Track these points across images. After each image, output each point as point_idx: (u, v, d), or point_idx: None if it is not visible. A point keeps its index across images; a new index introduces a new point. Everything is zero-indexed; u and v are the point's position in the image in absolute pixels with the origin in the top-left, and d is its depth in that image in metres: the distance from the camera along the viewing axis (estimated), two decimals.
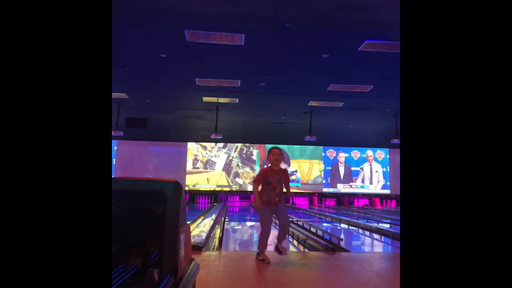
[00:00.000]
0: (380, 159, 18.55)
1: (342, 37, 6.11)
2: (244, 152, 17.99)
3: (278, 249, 3.53)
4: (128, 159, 17.23)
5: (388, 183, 18.36)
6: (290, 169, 17.93)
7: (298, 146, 17.90)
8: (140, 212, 2.20)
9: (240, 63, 7.38)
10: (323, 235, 7.24)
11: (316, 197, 18.25)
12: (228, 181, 17.85)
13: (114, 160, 16.82)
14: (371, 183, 18.38)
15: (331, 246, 6.19)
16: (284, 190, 3.62)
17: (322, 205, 18.13)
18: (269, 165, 3.58)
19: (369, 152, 18.45)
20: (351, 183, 18.33)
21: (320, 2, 5.02)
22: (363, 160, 18.55)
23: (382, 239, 7.78)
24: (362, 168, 18.47)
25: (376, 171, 18.42)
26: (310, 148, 18.08)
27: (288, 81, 8.30)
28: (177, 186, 2.00)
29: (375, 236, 8.27)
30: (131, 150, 17.19)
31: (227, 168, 17.91)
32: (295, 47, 6.50)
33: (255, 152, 17.93)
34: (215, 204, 17.30)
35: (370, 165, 18.46)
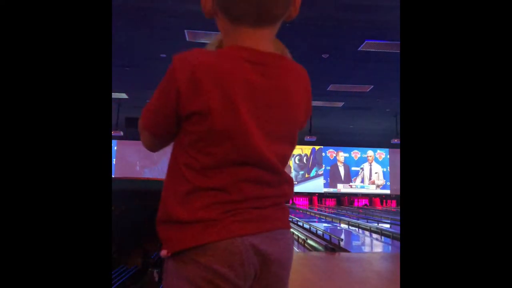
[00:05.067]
0: (380, 159, 18.53)
1: (342, 37, 6.11)
2: None
3: None
4: (128, 159, 17.21)
5: (388, 183, 18.35)
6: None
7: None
8: (140, 212, 2.20)
9: None
10: (323, 235, 7.24)
11: (316, 197, 18.23)
12: None
13: (114, 160, 16.80)
14: (369, 183, 18.36)
15: (331, 246, 6.19)
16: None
17: (322, 205, 18.12)
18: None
19: (370, 152, 18.42)
20: (351, 183, 18.32)
21: (320, 2, 5.01)
22: (363, 160, 18.53)
23: (382, 239, 7.77)
24: (362, 168, 18.45)
25: (376, 173, 18.39)
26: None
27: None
28: None
29: (375, 236, 8.26)
30: (131, 150, 17.17)
31: None
32: (295, 47, 6.49)
33: None
34: None
35: (370, 165, 18.45)
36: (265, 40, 0.75)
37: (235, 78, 0.70)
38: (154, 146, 0.88)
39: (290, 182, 0.79)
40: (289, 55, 0.82)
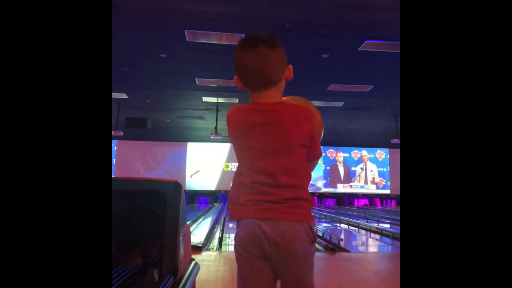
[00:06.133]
0: (380, 159, 18.53)
1: (342, 37, 6.10)
2: None
3: None
4: (128, 159, 17.22)
5: (388, 183, 18.36)
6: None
7: None
8: (140, 212, 2.20)
9: None
10: (323, 235, 7.24)
11: (316, 197, 18.23)
12: None
13: (114, 160, 16.80)
14: (366, 183, 18.38)
15: (331, 246, 6.19)
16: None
17: (322, 205, 18.13)
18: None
19: (364, 152, 18.46)
20: (351, 183, 18.33)
21: (320, 2, 5.02)
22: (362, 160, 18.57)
23: (382, 239, 7.77)
24: (362, 169, 18.46)
25: (371, 171, 18.42)
26: None
27: (288, 81, 8.26)
28: (177, 186, 2.00)
29: (375, 236, 8.26)
30: (131, 150, 17.18)
31: None
32: (295, 47, 6.49)
33: None
34: (215, 204, 17.31)
35: (365, 165, 18.48)
36: (271, 97, 1.18)
37: (245, 120, 1.17)
38: None
39: (296, 187, 1.14)
40: (311, 105, 1.33)
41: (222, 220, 10.14)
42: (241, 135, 1.18)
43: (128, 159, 17.21)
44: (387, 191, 18.39)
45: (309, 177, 1.21)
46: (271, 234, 1.09)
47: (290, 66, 1.22)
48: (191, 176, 17.51)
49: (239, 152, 1.20)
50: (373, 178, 18.37)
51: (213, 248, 6.19)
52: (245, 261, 1.13)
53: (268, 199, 1.11)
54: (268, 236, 1.09)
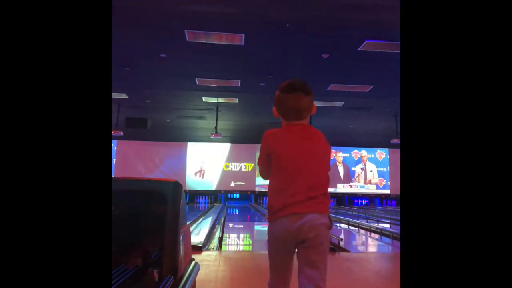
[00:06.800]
0: (380, 159, 18.53)
1: (342, 37, 6.10)
2: None
3: None
4: (128, 159, 17.22)
5: (388, 183, 18.35)
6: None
7: None
8: (140, 212, 2.20)
9: (240, 63, 7.37)
10: None
11: None
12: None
13: (114, 160, 16.80)
14: (365, 183, 18.38)
15: (331, 246, 6.19)
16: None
17: None
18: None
19: (364, 152, 18.46)
20: (351, 183, 18.33)
21: (320, 2, 5.02)
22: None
23: (382, 239, 7.78)
24: (362, 169, 18.46)
25: (371, 171, 18.42)
26: None
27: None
28: (177, 186, 2.00)
29: (375, 236, 8.26)
30: (131, 150, 17.18)
31: None
32: (295, 47, 6.49)
33: None
34: (215, 204, 17.31)
35: (365, 165, 18.48)
36: (301, 124, 1.60)
37: (288, 137, 1.57)
38: (264, 175, 1.66)
39: (321, 187, 1.54)
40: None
41: (222, 220, 10.14)
42: (284, 148, 1.55)
43: (128, 159, 17.22)
44: (387, 191, 18.39)
45: (329, 181, 1.63)
46: (304, 222, 1.46)
47: (315, 106, 1.65)
48: (195, 174, 17.55)
49: (280, 165, 1.54)
50: (370, 180, 18.36)
51: (213, 248, 6.19)
52: (278, 242, 1.52)
53: (303, 198, 1.48)
54: (302, 224, 1.46)
